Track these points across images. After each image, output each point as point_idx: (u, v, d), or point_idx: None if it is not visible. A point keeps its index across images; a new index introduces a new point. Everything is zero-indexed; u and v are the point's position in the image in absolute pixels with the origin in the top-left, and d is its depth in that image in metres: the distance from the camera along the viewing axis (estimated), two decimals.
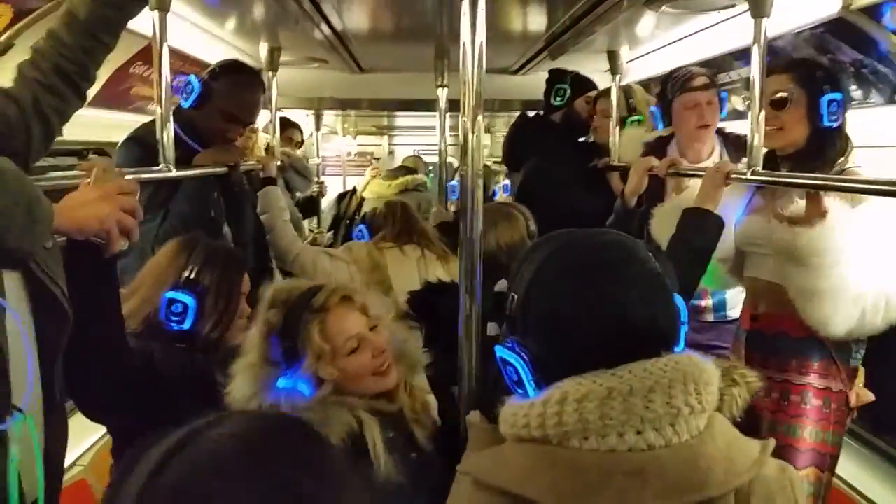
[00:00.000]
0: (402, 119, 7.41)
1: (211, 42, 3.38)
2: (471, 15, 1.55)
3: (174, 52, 2.80)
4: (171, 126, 2.16)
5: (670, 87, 2.68)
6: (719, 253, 2.17)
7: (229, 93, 2.56)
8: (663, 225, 2.32)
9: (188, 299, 1.73)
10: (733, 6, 2.59)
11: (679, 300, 1.08)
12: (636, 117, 3.24)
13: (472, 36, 1.57)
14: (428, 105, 4.16)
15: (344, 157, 6.86)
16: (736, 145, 2.63)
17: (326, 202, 5.60)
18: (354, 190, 5.78)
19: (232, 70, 2.64)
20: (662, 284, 1.06)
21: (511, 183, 4.09)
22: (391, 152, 8.79)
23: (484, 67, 1.61)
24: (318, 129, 5.01)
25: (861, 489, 2.60)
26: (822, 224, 1.96)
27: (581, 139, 3.67)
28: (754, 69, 2.08)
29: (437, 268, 2.96)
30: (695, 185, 2.32)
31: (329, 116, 6.33)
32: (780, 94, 2.13)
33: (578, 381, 0.98)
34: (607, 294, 1.02)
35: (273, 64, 3.38)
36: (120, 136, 2.57)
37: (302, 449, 0.76)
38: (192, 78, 2.52)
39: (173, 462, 0.70)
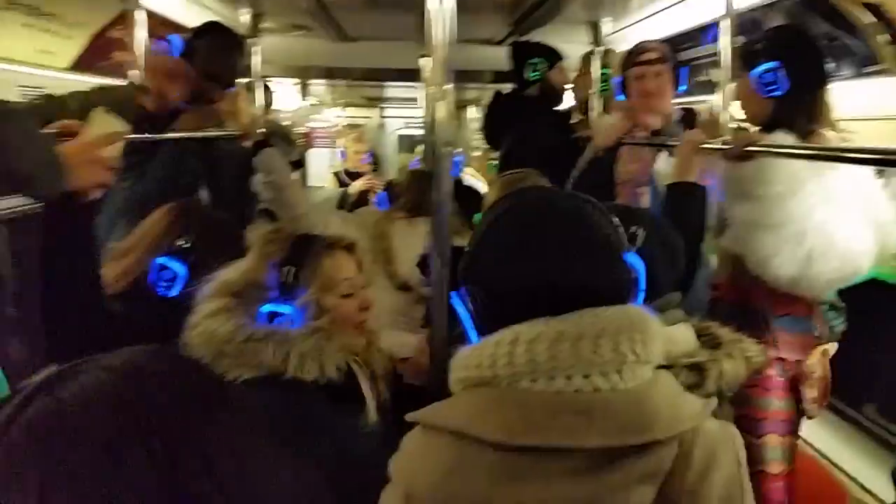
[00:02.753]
0: (394, 90, 7.36)
1: (191, 8, 3.38)
2: None
3: (153, 17, 2.83)
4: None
5: (625, 59, 2.82)
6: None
7: (209, 52, 2.59)
8: None
9: (180, 267, 1.74)
10: None
11: (636, 264, 1.11)
12: (604, 86, 3.29)
13: (440, 2, 1.58)
14: (413, 75, 4.15)
15: (334, 129, 6.81)
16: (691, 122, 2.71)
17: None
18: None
19: (212, 31, 2.67)
20: (610, 247, 1.08)
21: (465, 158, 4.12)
22: (381, 125, 8.75)
23: (455, 35, 1.61)
24: (303, 98, 4.99)
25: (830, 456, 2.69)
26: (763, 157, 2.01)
27: (559, 109, 3.71)
28: (723, 41, 2.12)
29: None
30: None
31: (318, 87, 6.30)
32: None
33: (531, 323, 1.00)
34: (546, 255, 1.05)
35: (255, 30, 3.39)
36: None
37: (183, 392, 0.76)
38: (174, 37, 2.55)
39: (41, 395, 0.70)
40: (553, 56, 3.55)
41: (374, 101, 8.41)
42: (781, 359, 2.17)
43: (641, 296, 1.11)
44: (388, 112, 8.79)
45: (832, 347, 2.22)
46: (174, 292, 1.73)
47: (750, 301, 2.20)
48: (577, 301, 1.02)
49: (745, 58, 2.16)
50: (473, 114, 7.81)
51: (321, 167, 7.42)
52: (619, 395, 0.97)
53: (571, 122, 3.80)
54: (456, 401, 1.07)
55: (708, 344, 1.44)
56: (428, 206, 2.97)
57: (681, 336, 1.42)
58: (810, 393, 2.16)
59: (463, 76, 4.38)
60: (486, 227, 1.12)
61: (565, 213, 1.10)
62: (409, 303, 2.87)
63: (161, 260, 1.73)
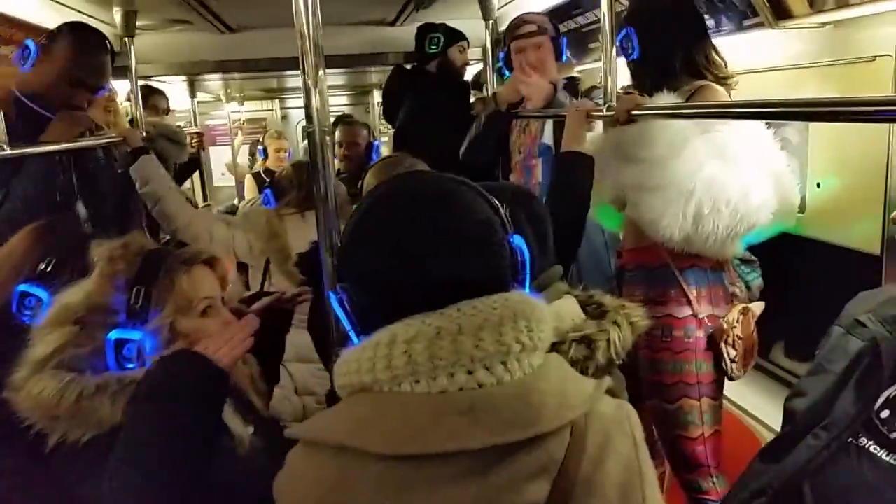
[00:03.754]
0: (293, 80, 7.16)
1: (58, 11, 3.14)
2: None
3: (8, 20, 2.61)
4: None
5: (506, 34, 2.85)
6: (608, 194, 2.20)
7: (71, 55, 2.40)
8: None
9: (43, 294, 1.57)
10: None
11: (519, 247, 1.04)
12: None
13: None
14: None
15: (231, 125, 6.60)
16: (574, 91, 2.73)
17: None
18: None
19: (71, 30, 2.47)
20: (489, 234, 1.01)
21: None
22: (284, 116, 8.54)
23: (319, 17, 1.54)
24: (193, 95, 4.77)
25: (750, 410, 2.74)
26: (651, 151, 2.00)
27: (457, 84, 3.70)
28: (604, 9, 2.09)
29: None
30: None
31: (212, 83, 6.05)
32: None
33: (408, 322, 0.94)
34: (418, 245, 0.97)
35: (129, 28, 3.18)
36: None
37: None
38: (30, 41, 2.35)
39: None
40: (454, 35, 3.57)
41: (274, 93, 8.19)
42: (694, 317, 2.12)
43: (527, 279, 1.05)
44: (289, 103, 8.58)
45: (757, 308, 2.19)
46: (40, 321, 1.53)
47: (653, 260, 2.17)
48: (455, 293, 0.95)
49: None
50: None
51: (221, 166, 7.23)
52: (504, 388, 0.92)
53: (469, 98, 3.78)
54: (337, 410, 1.00)
55: (594, 314, 1.42)
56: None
57: (566, 310, 1.40)
58: (730, 352, 2.10)
59: (362, 60, 4.27)
60: (357, 220, 1.04)
61: (436, 198, 1.02)
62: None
63: (22, 287, 1.57)
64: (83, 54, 2.44)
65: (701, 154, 1.98)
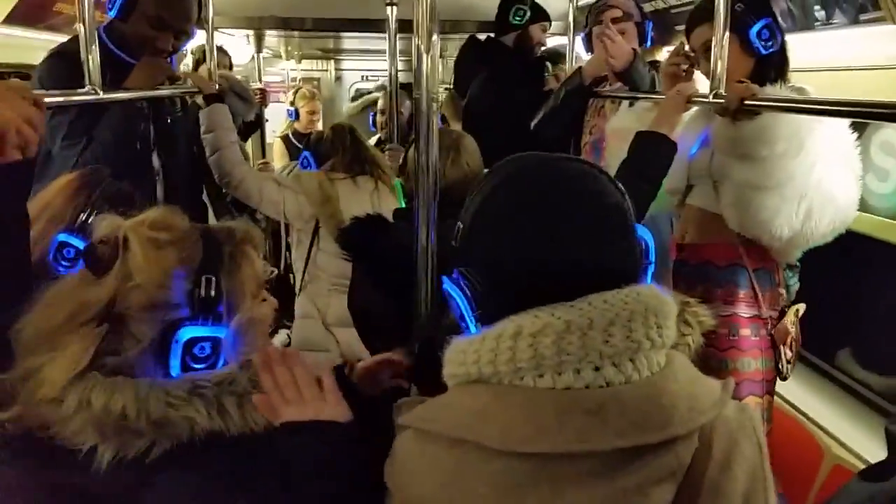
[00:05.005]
0: (349, 42, 7.08)
1: None
2: None
3: None
4: (95, 45, 1.95)
5: (589, 17, 2.85)
6: (670, 183, 2.14)
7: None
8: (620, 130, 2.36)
9: (81, 244, 1.46)
10: None
11: (646, 236, 1.02)
12: None
13: None
14: (377, 25, 3.94)
15: (289, 83, 6.54)
16: None
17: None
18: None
19: None
20: (623, 220, 0.98)
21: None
22: (338, 78, 8.45)
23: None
24: (259, 51, 4.70)
25: (805, 410, 2.66)
26: (766, 115, 1.93)
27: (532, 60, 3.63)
28: None
29: (392, 201, 2.82)
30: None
31: (271, 39, 5.98)
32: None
33: (535, 313, 0.91)
34: (554, 230, 0.94)
35: None
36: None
37: None
38: None
39: None
40: (540, 12, 3.51)
41: (330, 53, 8.10)
42: (759, 317, 2.14)
43: (651, 270, 1.03)
44: (344, 65, 8.49)
45: (802, 308, 2.20)
46: (76, 271, 1.46)
47: (721, 258, 2.15)
48: (589, 283, 0.93)
49: (732, 27, 2.02)
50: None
51: (276, 122, 7.18)
52: (633, 388, 0.89)
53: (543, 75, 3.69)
54: (451, 401, 0.97)
55: None
56: (363, 164, 2.89)
57: None
58: (787, 353, 2.15)
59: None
60: (483, 200, 1.00)
61: (573, 180, 0.98)
62: None
63: (61, 237, 1.50)
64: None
65: (813, 153, 1.93)
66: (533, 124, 3.00)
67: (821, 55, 2.46)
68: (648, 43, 2.99)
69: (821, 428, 2.63)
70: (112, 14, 2.31)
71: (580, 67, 2.93)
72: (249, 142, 5.63)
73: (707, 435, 0.90)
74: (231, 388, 1.14)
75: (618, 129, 2.41)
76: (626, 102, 2.67)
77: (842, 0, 2.30)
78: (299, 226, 2.99)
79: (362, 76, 8.38)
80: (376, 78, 7.88)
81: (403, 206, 2.34)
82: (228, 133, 2.89)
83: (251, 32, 4.58)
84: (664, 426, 0.87)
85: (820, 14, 2.42)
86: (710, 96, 2.02)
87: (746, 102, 1.89)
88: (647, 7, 3.30)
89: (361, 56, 7.98)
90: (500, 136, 3.01)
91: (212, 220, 3.02)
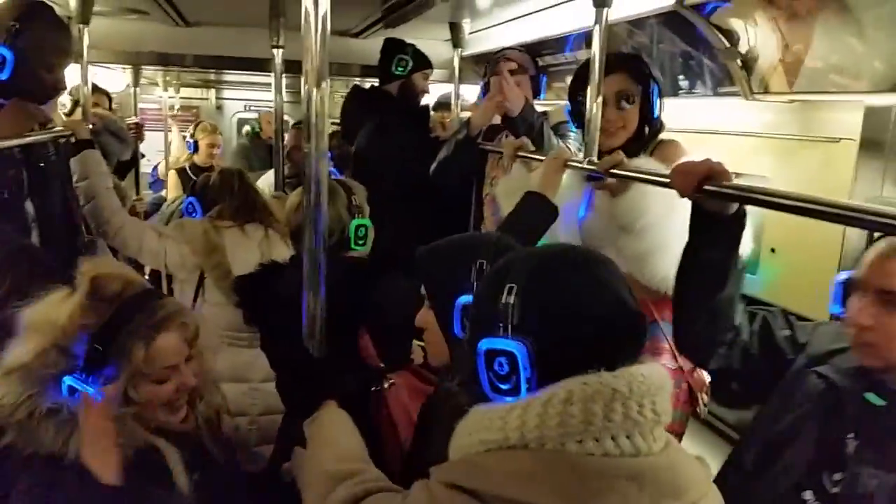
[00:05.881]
0: (232, 73, 6.97)
1: None
2: None
3: None
4: None
5: (487, 68, 2.89)
6: None
7: (38, 38, 2.25)
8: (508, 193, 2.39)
9: None
10: None
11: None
12: None
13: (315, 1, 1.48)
14: (261, 64, 3.92)
15: (166, 111, 6.33)
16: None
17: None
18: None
19: (39, 12, 2.32)
20: (633, 295, 1.07)
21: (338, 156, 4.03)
22: (219, 107, 8.27)
23: (328, 34, 1.52)
24: (136, 84, 4.54)
25: None
26: (634, 188, 2.04)
27: (418, 109, 3.68)
28: (594, 58, 2.11)
29: (282, 249, 2.74)
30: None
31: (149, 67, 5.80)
32: (625, 93, 2.17)
33: (583, 380, 0.96)
34: (607, 283, 1.04)
35: (85, 15, 3.00)
36: None
37: None
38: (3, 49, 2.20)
39: None
40: (422, 60, 3.54)
41: (211, 83, 7.92)
42: (679, 369, 2.18)
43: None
44: (225, 94, 8.32)
45: None
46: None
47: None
48: (628, 352, 1.02)
49: (642, 82, 2.17)
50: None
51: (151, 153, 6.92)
52: (659, 459, 0.98)
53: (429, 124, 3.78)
54: (489, 464, 0.99)
55: None
56: (252, 211, 2.84)
57: None
58: (704, 398, 2.21)
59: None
60: (535, 267, 1.05)
61: (602, 261, 1.08)
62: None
63: None
64: (50, 39, 2.29)
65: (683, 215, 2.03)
66: (431, 171, 3.04)
67: (685, 119, 2.67)
68: (542, 95, 3.11)
69: None
70: (4, 77, 2.21)
71: (468, 119, 2.99)
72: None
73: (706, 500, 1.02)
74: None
75: (507, 188, 2.45)
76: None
77: (703, 73, 2.51)
78: (182, 276, 2.85)
79: (245, 106, 8.25)
80: (259, 109, 7.77)
81: None
82: (103, 178, 2.75)
83: (128, 67, 4.43)
84: (686, 492, 0.98)
85: (684, 83, 2.63)
86: (585, 162, 2.14)
87: (613, 172, 1.99)
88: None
89: (243, 87, 7.85)
90: (389, 184, 3.09)
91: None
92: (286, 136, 4.23)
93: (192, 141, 5.11)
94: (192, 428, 1.48)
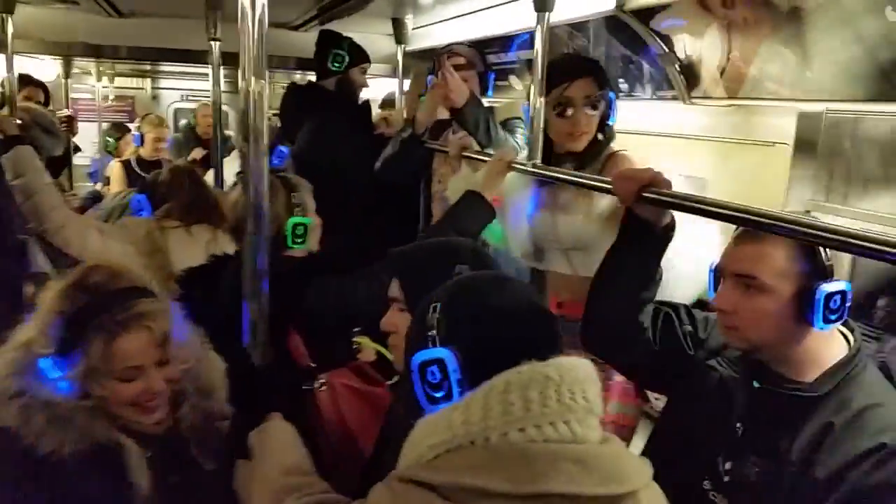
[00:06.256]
0: (167, 63, 6.78)
1: None
2: None
3: None
4: None
5: (434, 62, 2.83)
6: (521, 249, 2.25)
7: None
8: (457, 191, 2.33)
9: None
10: None
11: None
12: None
13: None
14: (197, 56, 3.82)
15: (100, 102, 6.12)
16: None
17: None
18: None
19: None
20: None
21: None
22: (155, 97, 8.02)
23: (265, 27, 1.50)
24: (67, 76, 4.38)
25: None
26: (593, 212, 2.06)
27: (356, 104, 3.60)
28: (537, 59, 2.12)
29: (231, 250, 2.69)
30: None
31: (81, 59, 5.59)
32: (592, 98, 2.11)
33: (517, 370, 1.01)
34: (517, 290, 1.13)
35: (8, 4, 2.87)
36: None
37: None
38: None
39: None
40: (359, 55, 3.43)
41: (146, 73, 7.68)
42: None
43: None
44: (161, 83, 8.08)
45: None
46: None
47: None
48: (548, 347, 1.06)
49: (605, 87, 2.15)
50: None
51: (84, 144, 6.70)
52: (602, 447, 1.02)
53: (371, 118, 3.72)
54: (440, 464, 1.02)
55: None
56: (202, 210, 2.76)
57: None
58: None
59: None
60: (458, 290, 1.15)
61: (511, 278, 1.20)
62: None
63: None
64: None
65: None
66: (375, 168, 2.99)
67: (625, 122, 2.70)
68: (490, 92, 3.06)
69: None
70: None
71: (414, 116, 2.90)
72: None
73: (641, 494, 1.04)
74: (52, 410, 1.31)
75: (456, 187, 2.41)
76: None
77: (642, 77, 2.54)
78: None
79: (182, 96, 8.03)
80: (197, 98, 7.57)
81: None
82: (39, 175, 2.66)
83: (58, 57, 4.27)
84: (630, 479, 1.01)
85: (624, 86, 2.66)
86: (529, 165, 2.15)
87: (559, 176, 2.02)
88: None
89: (180, 76, 7.64)
90: (333, 183, 3.02)
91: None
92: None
93: (137, 134, 4.92)
94: (168, 430, 1.44)
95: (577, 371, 1.03)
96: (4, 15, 2.87)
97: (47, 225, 2.64)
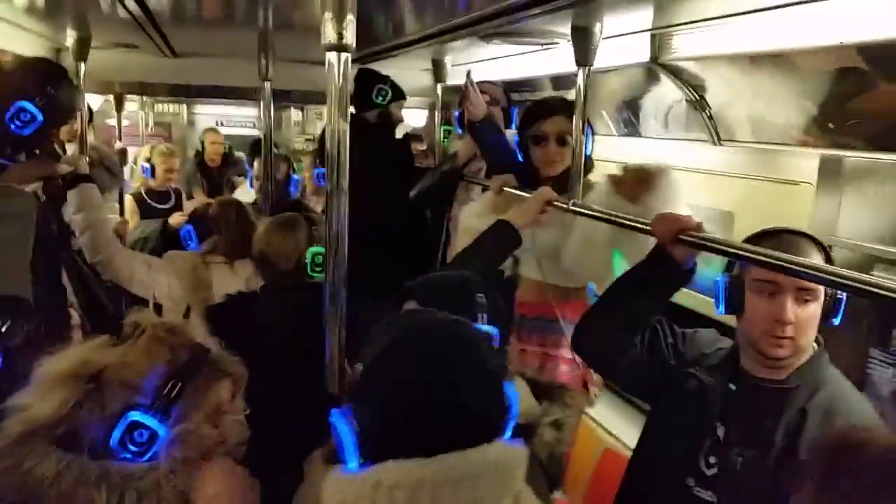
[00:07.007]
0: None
1: (13, 31, 3.03)
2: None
3: None
4: None
5: (460, 97, 3.08)
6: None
7: (67, 105, 2.38)
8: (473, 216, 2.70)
9: None
10: (556, 44, 2.80)
11: (511, 393, 1.11)
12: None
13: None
14: (244, 93, 4.04)
15: (142, 128, 6.36)
16: None
17: None
18: None
19: (66, 81, 2.43)
20: (498, 379, 1.10)
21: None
22: (192, 122, 8.29)
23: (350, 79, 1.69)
24: (119, 110, 4.61)
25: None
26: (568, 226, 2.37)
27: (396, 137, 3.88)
28: (578, 112, 2.30)
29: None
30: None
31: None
32: (564, 133, 2.50)
33: (397, 464, 1.00)
34: (446, 382, 1.05)
35: (82, 53, 3.09)
36: None
37: None
38: (27, 104, 2.25)
39: None
40: (398, 92, 3.69)
41: (182, 99, 7.94)
42: (573, 360, 2.51)
43: (512, 424, 1.12)
44: (197, 108, 8.33)
45: None
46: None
47: (550, 314, 2.54)
48: (459, 437, 1.03)
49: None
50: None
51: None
52: None
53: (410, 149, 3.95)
54: None
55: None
56: (246, 246, 2.71)
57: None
58: (594, 389, 2.61)
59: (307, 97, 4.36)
60: (383, 350, 1.10)
61: (463, 344, 1.12)
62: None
63: None
64: (59, 93, 2.39)
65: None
66: (412, 195, 3.26)
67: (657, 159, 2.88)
68: (514, 125, 3.25)
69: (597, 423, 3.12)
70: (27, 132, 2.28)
71: (455, 151, 3.24)
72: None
73: None
74: (136, 484, 1.19)
75: (467, 225, 2.68)
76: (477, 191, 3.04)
77: (677, 119, 2.72)
78: (169, 306, 2.91)
79: (217, 121, 8.28)
80: (232, 124, 7.82)
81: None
82: (99, 211, 2.85)
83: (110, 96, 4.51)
84: None
85: (658, 127, 2.84)
86: (569, 204, 2.32)
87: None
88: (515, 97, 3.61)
89: (216, 102, 7.87)
90: (372, 208, 3.22)
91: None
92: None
93: (147, 165, 4.77)
94: None
95: (475, 466, 1.01)
96: (77, 63, 3.09)
97: (100, 257, 2.82)
